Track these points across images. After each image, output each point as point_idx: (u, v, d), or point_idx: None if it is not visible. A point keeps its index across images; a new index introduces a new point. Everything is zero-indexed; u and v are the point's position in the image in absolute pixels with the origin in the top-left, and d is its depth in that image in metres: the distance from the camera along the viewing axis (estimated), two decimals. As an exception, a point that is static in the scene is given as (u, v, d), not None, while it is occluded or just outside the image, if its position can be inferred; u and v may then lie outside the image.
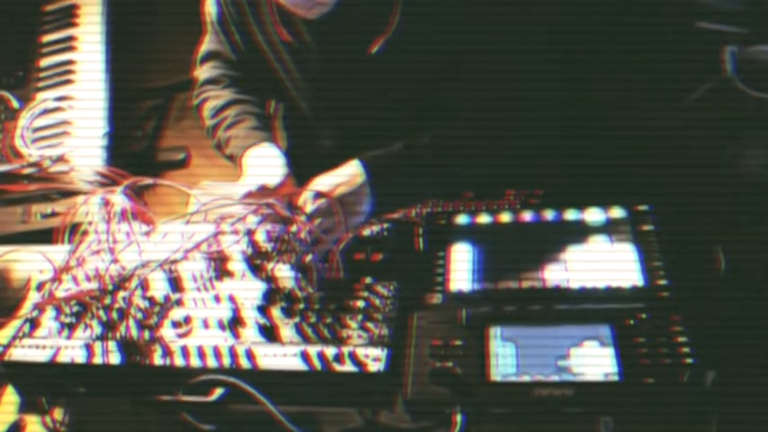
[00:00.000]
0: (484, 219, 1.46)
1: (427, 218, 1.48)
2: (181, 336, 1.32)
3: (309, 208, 1.38)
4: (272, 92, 1.75)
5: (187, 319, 1.33)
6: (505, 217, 1.45)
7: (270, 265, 1.39)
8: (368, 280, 1.35)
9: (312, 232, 1.35)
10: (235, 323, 1.32)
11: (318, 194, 1.40)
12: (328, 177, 1.45)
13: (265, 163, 1.58)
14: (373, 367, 1.20)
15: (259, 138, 1.65)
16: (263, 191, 1.46)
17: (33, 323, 1.38)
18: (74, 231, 1.54)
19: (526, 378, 1.18)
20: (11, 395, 1.36)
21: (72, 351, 1.32)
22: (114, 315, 1.36)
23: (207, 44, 1.78)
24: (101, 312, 1.37)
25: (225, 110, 1.73)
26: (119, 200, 1.51)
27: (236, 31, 1.68)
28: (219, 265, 1.42)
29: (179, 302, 1.37)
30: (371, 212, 1.46)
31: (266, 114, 1.77)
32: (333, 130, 1.74)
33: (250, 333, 1.30)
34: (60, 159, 1.85)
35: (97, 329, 1.35)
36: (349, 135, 1.68)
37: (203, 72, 1.80)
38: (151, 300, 1.38)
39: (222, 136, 1.71)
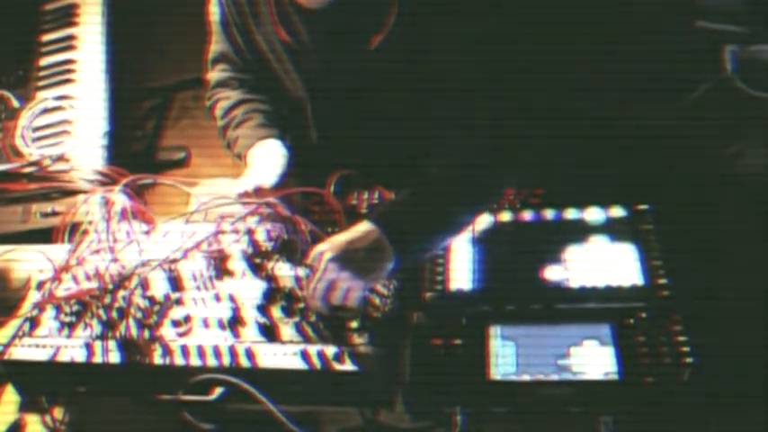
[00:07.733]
0: (484, 218, 1.45)
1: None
2: (181, 335, 1.31)
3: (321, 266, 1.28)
4: (277, 92, 1.75)
5: (187, 319, 1.33)
6: (505, 216, 1.45)
7: (270, 264, 1.39)
8: (368, 279, 1.35)
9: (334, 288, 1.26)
10: (235, 322, 1.32)
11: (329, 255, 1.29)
12: (340, 236, 1.32)
13: (267, 161, 1.57)
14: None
15: (264, 134, 1.65)
16: (258, 192, 1.46)
17: (33, 322, 1.38)
18: (74, 230, 1.54)
19: (526, 377, 1.18)
20: (11, 394, 1.36)
21: (72, 350, 1.32)
22: (114, 314, 1.36)
23: (213, 46, 1.79)
24: (101, 311, 1.37)
25: (233, 110, 1.74)
26: (119, 199, 1.51)
27: (238, 32, 1.68)
28: (219, 265, 1.42)
29: (179, 302, 1.37)
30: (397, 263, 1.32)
31: (276, 111, 1.76)
32: (332, 130, 1.73)
33: (250, 332, 1.30)
34: (60, 158, 1.85)
35: (97, 329, 1.35)
36: (348, 135, 1.68)
37: (214, 75, 1.81)
38: (151, 299, 1.38)
39: (231, 135, 1.72)
